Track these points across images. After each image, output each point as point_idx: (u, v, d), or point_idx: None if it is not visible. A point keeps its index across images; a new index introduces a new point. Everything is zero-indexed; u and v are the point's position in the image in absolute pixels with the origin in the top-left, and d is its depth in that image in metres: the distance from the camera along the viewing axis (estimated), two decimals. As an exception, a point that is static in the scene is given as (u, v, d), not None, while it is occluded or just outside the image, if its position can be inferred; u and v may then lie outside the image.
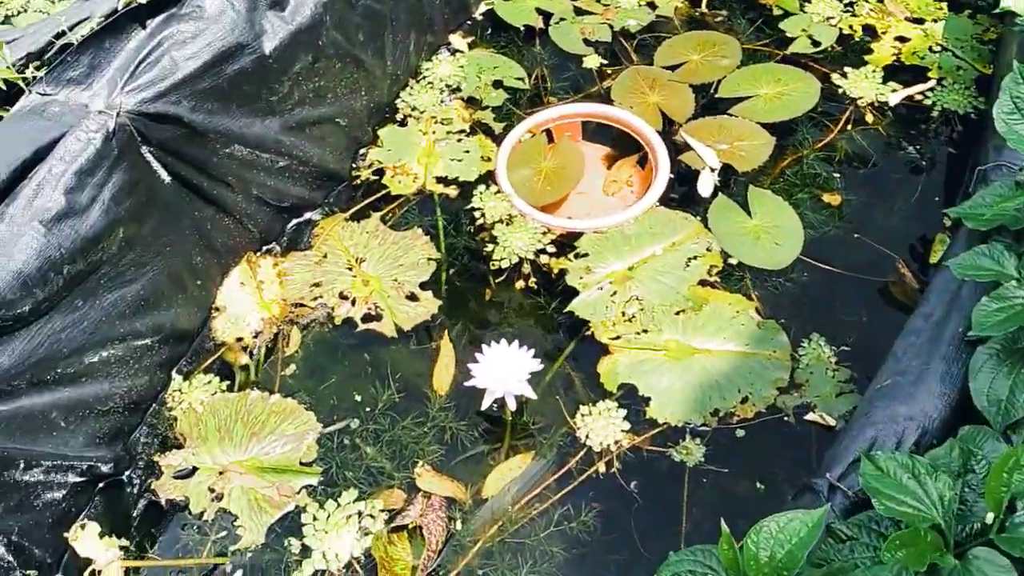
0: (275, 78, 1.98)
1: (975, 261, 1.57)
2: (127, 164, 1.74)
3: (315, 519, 1.73)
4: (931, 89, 2.36)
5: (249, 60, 1.90)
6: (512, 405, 1.78)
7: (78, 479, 1.72)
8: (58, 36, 1.97)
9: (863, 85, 2.38)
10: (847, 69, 2.42)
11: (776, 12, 2.60)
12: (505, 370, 1.77)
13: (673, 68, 2.47)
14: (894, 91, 2.36)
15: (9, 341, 1.58)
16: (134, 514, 1.79)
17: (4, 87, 1.81)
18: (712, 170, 2.22)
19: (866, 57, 2.46)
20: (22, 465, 1.60)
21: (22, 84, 1.81)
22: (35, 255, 1.57)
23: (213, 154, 1.92)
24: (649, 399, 1.87)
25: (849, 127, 2.32)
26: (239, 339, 2.00)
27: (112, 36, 1.79)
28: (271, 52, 1.93)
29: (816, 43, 2.50)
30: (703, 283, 2.04)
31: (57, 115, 1.72)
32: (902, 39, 2.49)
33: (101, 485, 1.78)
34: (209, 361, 1.98)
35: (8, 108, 1.74)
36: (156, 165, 1.83)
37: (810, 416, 1.83)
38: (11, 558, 1.59)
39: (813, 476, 1.53)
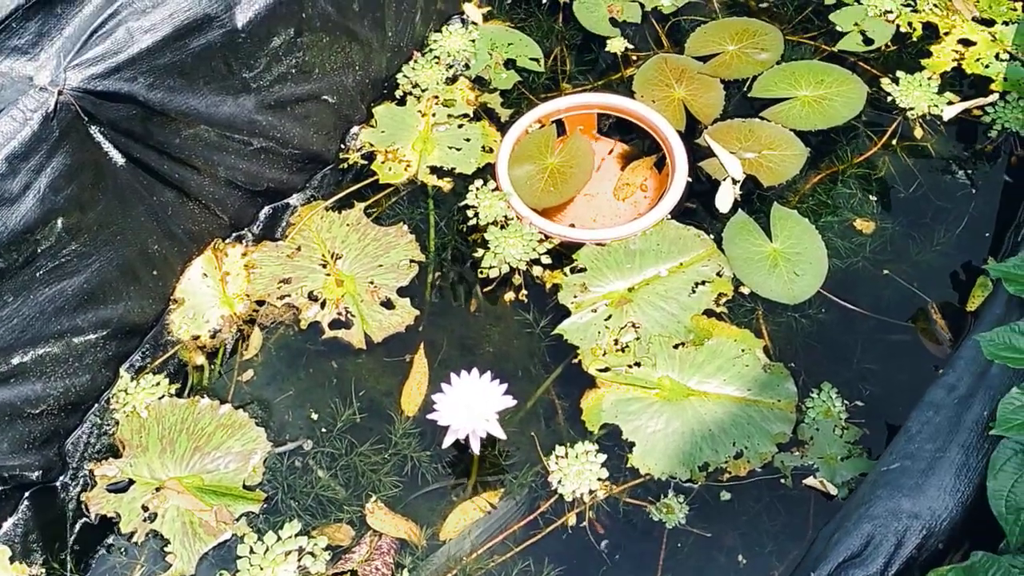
0: (249, 53, 1.78)
1: (1009, 340, 1.35)
2: (70, 147, 1.57)
3: (252, 552, 1.59)
4: (992, 104, 2.09)
5: (219, 34, 1.70)
6: (476, 448, 1.61)
7: (0, 487, 1.59)
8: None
9: (916, 94, 2.12)
10: (900, 74, 2.16)
11: (828, 1, 2.33)
12: (473, 407, 1.59)
13: (705, 59, 2.23)
14: (950, 103, 2.10)
15: (-79, 342, 1.43)
16: (64, 527, 1.65)
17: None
18: (734, 182, 2.00)
19: (923, 61, 2.19)
20: (-72, 479, 1.47)
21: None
22: (-48, 250, 1.42)
23: (175, 135, 1.74)
24: (633, 444, 1.69)
25: (894, 142, 2.07)
26: (195, 337, 1.84)
27: (65, 1, 1.60)
28: (244, 25, 1.73)
29: (868, 40, 2.24)
30: (708, 313, 1.83)
31: (-5, 88, 1.55)
32: (966, 42, 2.22)
33: (27, 493, 1.65)
34: (162, 359, 1.83)
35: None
36: (107, 146, 1.65)
37: (810, 481, 1.64)
38: (-85, 576, 1.47)
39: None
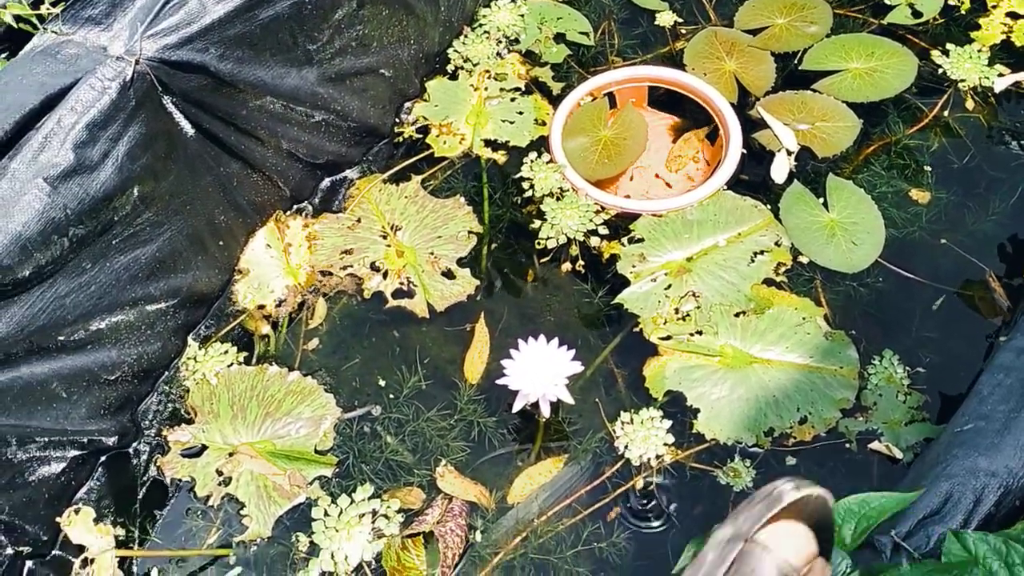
0: (314, 25, 1.80)
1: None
2: (145, 116, 1.59)
3: (326, 515, 1.61)
4: (1043, 76, 2.11)
5: (286, 5, 1.72)
6: (546, 412, 1.63)
7: (78, 452, 1.62)
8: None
9: (966, 66, 2.13)
10: (949, 46, 2.17)
11: (875, -25, 2.34)
12: (542, 372, 1.61)
13: (754, 32, 2.24)
14: (1001, 75, 2.11)
15: (7, 307, 1.45)
16: (138, 491, 1.68)
17: (14, 23, 1.66)
18: (789, 153, 2.01)
19: (972, 34, 2.20)
20: (15, 442, 1.50)
21: (35, 21, 1.66)
22: (37, 216, 1.43)
23: (242, 106, 1.75)
24: (698, 411, 1.71)
25: (946, 113, 2.08)
26: (261, 307, 1.86)
27: (136, -29, 1.62)
28: (311, -3, 1.75)
29: (917, 14, 2.25)
30: (768, 282, 1.85)
31: (72, 58, 1.56)
32: (1015, 15, 2.22)
33: (103, 459, 1.67)
34: (228, 328, 1.85)
35: (18, 48, 1.59)
36: (178, 116, 1.67)
37: (875, 445, 1.66)
38: (1, 537, 1.50)
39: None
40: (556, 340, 1.66)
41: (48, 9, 1.68)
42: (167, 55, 1.59)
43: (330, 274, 1.90)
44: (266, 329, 1.84)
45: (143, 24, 1.58)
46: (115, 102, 1.53)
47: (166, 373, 1.78)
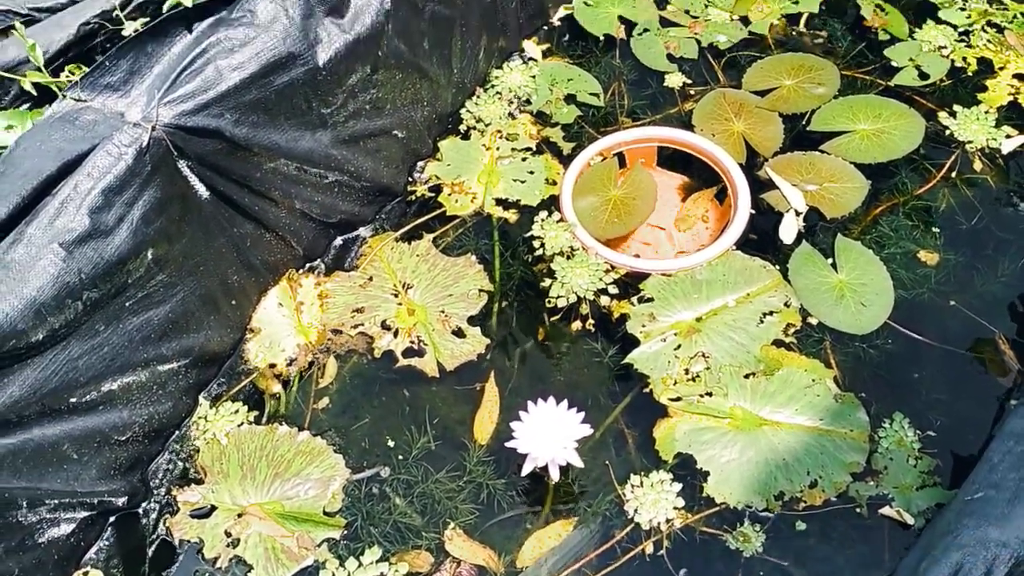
0: (328, 90, 1.83)
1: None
2: (161, 180, 1.61)
3: (334, 578, 1.61)
4: (1050, 137, 2.12)
5: (301, 71, 1.75)
6: (555, 476, 1.63)
7: (88, 513, 1.62)
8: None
9: (973, 127, 2.15)
10: (956, 108, 2.19)
11: (882, 37, 2.37)
12: (550, 435, 1.61)
13: (762, 93, 2.27)
14: (1008, 137, 2.13)
15: (20, 370, 1.47)
16: (147, 552, 1.68)
17: (34, 91, 1.69)
18: (798, 214, 2.03)
19: (979, 95, 2.22)
20: (26, 504, 1.50)
21: (55, 89, 1.69)
22: (52, 281, 1.45)
23: (256, 168, 1.78)
24: (708, 474, 1.70)
25: (954, 175, 2.10)
26: (272, 365, 1.87)
27: (155, 40, 1.65)
28: (325, 63, 1.78)
29: (924, 75, 2.27)
30: (777, 343, 1.85)
31: (90, 124, 1.59)
32: (1021, 77, 2.24)
33: (113, 519, 1.68)
34: (239, 387, 1.86)
35: (40, 100, 1.62)
36: (193, 179, 1.70)
37: (885, 510, 1.65)
38: (9, 598, 1.50)
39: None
40: (565, 402, 1.67)
41: (68, 76, 1.71)
42: (183, 121, 1.62)
43: (341, 333, 1.91)
44: (277, 388, 1.85)
45: (160, 91, 1.61)
46: (131, 167, 1.55)
47: (177, 432, 1.79)
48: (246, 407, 1.82)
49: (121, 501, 1.67)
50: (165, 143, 1.61)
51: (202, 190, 1.72)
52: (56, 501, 1.55)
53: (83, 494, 1.60)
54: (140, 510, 1.71)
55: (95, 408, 1.61)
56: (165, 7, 1.71)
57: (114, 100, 1.63)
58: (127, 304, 1.62)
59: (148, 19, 1.82)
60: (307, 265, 2.01)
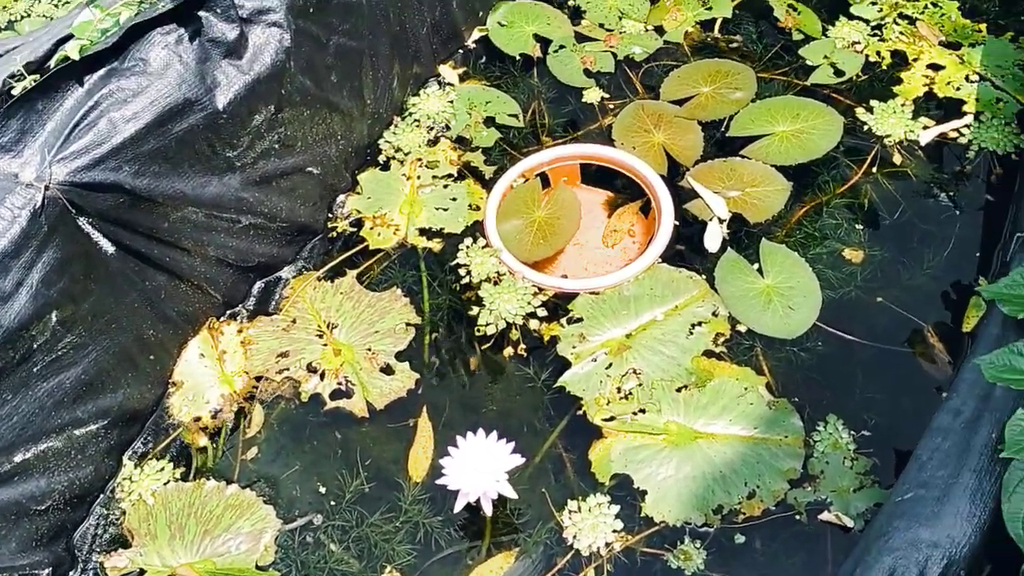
0: (232, 133, 1.79)
1: (1010, 362, 1.36)
2: (60, 240, 1.57)
3: (270, 634, 1.57)
4: (967, 126, 2.12)
5: (200, 116, 1.72)
6: (488, 510, 1.60)
7: (9, 589, 1.56)
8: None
9: (891, 121, 2.15)
10: (873, 102, 2.19)
11: (796, 37, 2.37)
12: (481, 469, 1.58)
13: (681, 102, 2.26)
14: (925, 128, 2.13)
15: (-79, 448, 1.42)
16: (75, 623, 1.63)
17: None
18: (721, 221, 2.02)
19: (895, 88, 2.22)
20: (-64, 589, 1.45)
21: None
22: (-52, 354, 1.41)
23: (163, 219, 1.74)
24: (645, 493, 1.68)
25: (874, 170, 2.10)
26: (197, 419, 1.83)
27: (45, 96, 1.61)
28: (225, 106, 1.75)
29: (840, 72, 2.27)
30: (708, 354, 1.83)
31: (-18, 187, 1.55)
32: (935, 67, 2.25)
33: (38, 592, 1.62)
34: (165, 443, 1.81)
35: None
36: (96, 236, 1.65)
37: (825, 515, 1.63)
38: None
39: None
40: (495, 433, 1.64)
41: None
42: (78, 177, 1.57)
43: (267, 379, 1.87)
44: (204, 441, 1.81)
45: (53, 149, 1.57)
46: (25, 230, 1.51)
47: (101, 496, 1.74)
48: (172, 464, 1.77)
49: (45, 573, 1.61)
50: (61, 202, 1.57)
51: (107, 246, 1.68)
52: (-30, 581, 1.50)
53: (2, 569, 1.54)
54: (67, 580, 1.66)
55: (9, 480, 1.56)
56: (52, 62, 1.66)
57: (6, 161, 1.58)
58: (35, 369, 1.57)
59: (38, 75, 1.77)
60: (228, 312, 1.97)
